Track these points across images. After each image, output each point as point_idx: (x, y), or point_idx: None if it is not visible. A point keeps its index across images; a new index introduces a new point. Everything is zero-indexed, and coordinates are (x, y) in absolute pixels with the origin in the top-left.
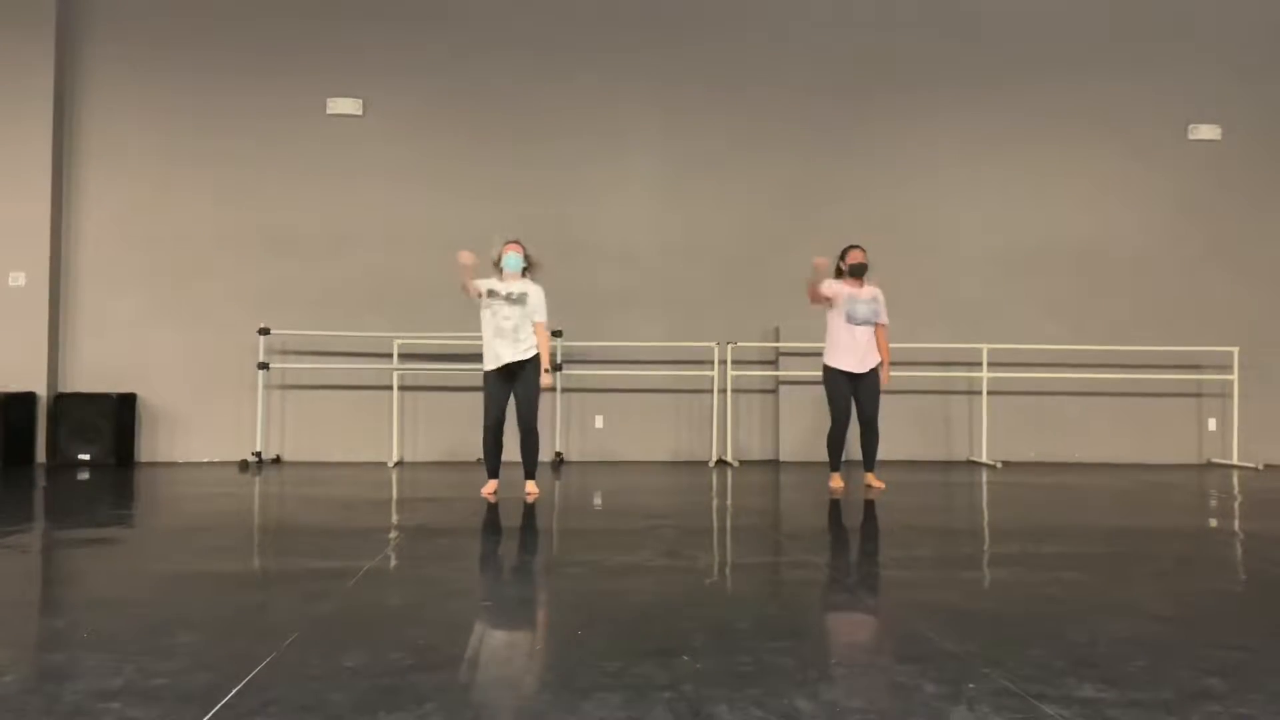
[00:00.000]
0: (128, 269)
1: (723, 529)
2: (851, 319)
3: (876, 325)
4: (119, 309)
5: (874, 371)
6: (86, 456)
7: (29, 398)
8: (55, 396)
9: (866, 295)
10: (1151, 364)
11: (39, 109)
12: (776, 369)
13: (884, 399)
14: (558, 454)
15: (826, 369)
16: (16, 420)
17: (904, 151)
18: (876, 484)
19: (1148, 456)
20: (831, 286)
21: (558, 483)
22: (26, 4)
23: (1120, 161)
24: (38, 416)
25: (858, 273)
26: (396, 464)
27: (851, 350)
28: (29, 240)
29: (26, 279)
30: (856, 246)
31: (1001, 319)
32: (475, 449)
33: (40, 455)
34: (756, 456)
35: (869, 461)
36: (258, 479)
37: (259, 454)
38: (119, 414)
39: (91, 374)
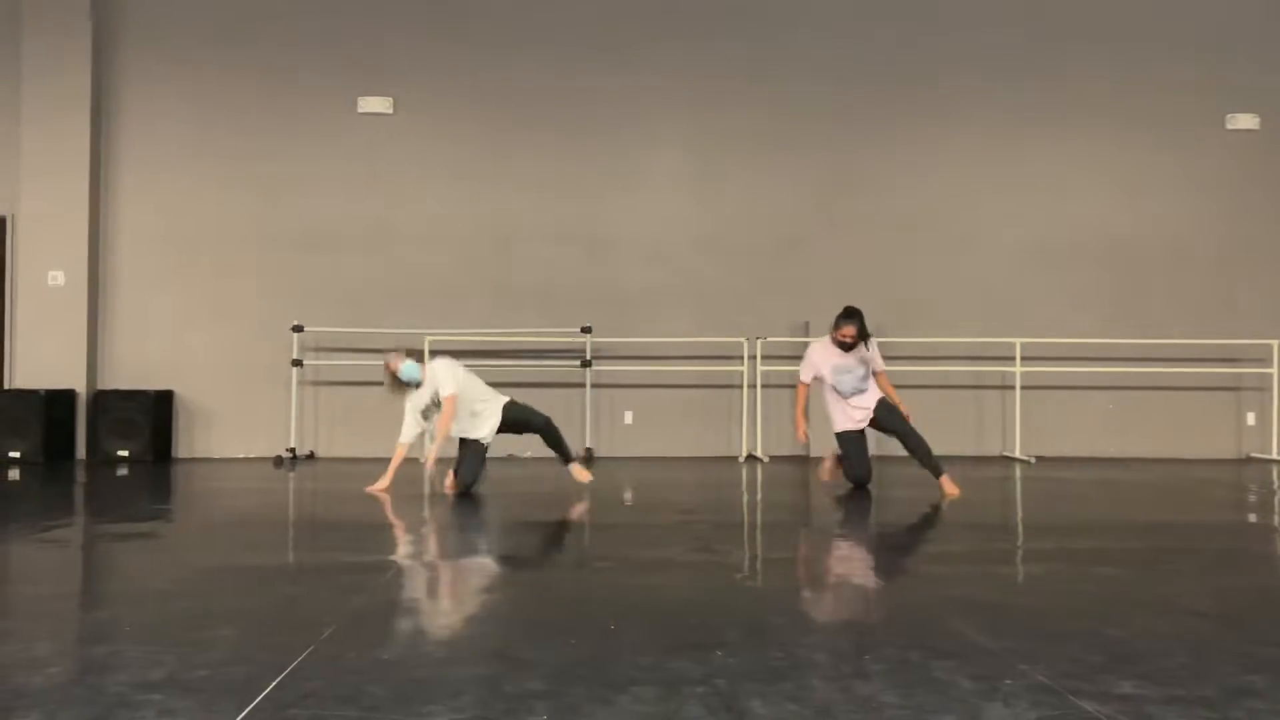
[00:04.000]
0: (164, 268)
1: (754, 524)
2: (840, 392)
3: (875, 374)
4: (156, 307)
5: (882, 403)
6: (125, 452)
7: (69, 395)
8: (94, 394)
9: (852, 361)
10: (1188, 357)
11: (77, 111)
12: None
13: (917, 393)
14: (588, 449)
15: (837, 434)
16: (57, 417)
17: (935, 144)
18: (951, 489)
19: (1184, 451)
20: (814, 366)
21: (590, 478)
22: (64, 8)
23: (1156, 152)
24: (78, 413)
25: (845, 349)
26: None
27: (851, 416)
28: (68, 240)
29: (66, 278)
30: (850, 319)
31: (1035, 313)
32: (505, 445)
33: (80, 451)
34: (787, 452)
35: (935, 467)
36: (292, 475)
37: (293, 450)
38: (156, 411)
39: (129, 371)
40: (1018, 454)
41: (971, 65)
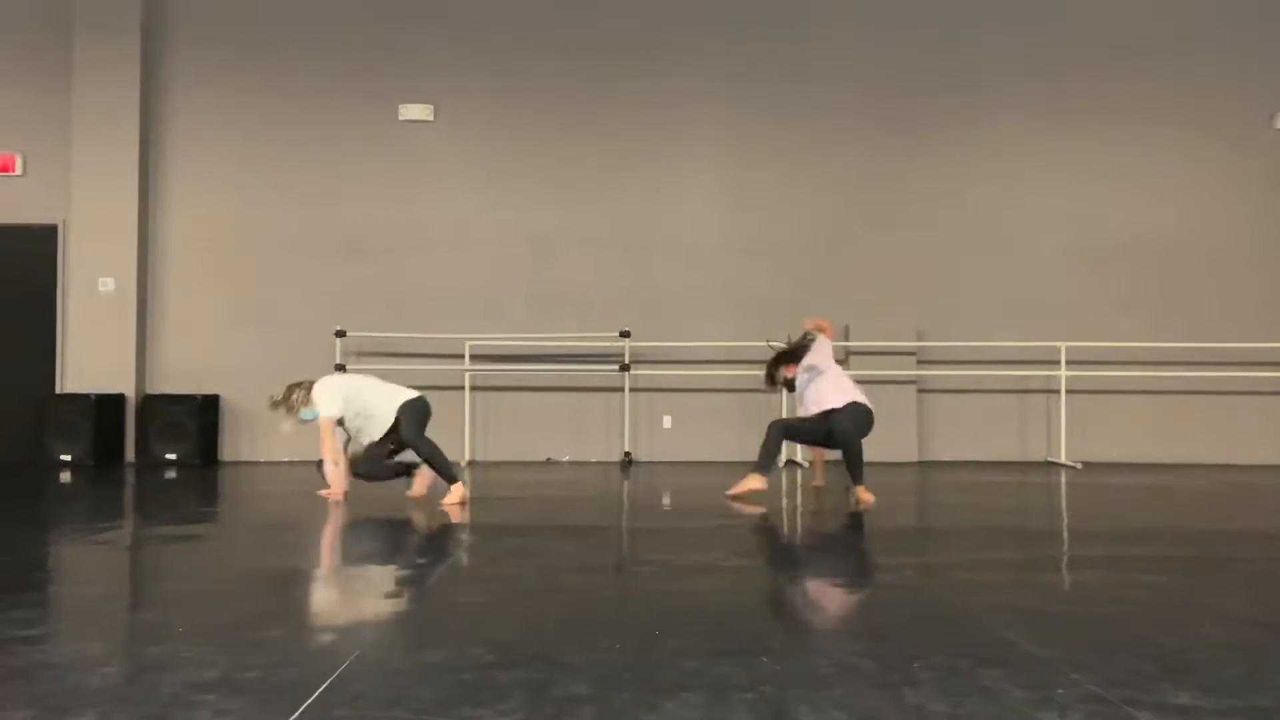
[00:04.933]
0: (210, 274)
1: (794, 529)
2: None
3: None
4: (202, 313)
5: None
6: (173, 456)
7: (119, 399)
8: (143, 398)
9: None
10: (1237, 361)
11: (126, 122)
12: (846, 368)
13: (957, 398)
14: (626, 454)
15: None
16: (107, 421)
17: (976, 146)
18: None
19: (1234, 457)
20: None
21: (626, 483)
22: (113, 22)
23: (1201, 153)
24: (127, 417)
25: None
26: (469, 463)
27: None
28: (117, 247)
29: (115, 284)
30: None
31: (1079, 316)
32: (544, 449)
33: (129, 454)
34: (827, 457)
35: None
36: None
37: None
38: (203, 414)
39: (177, 376)
40: (1063, 459)
41: (1013, 67)
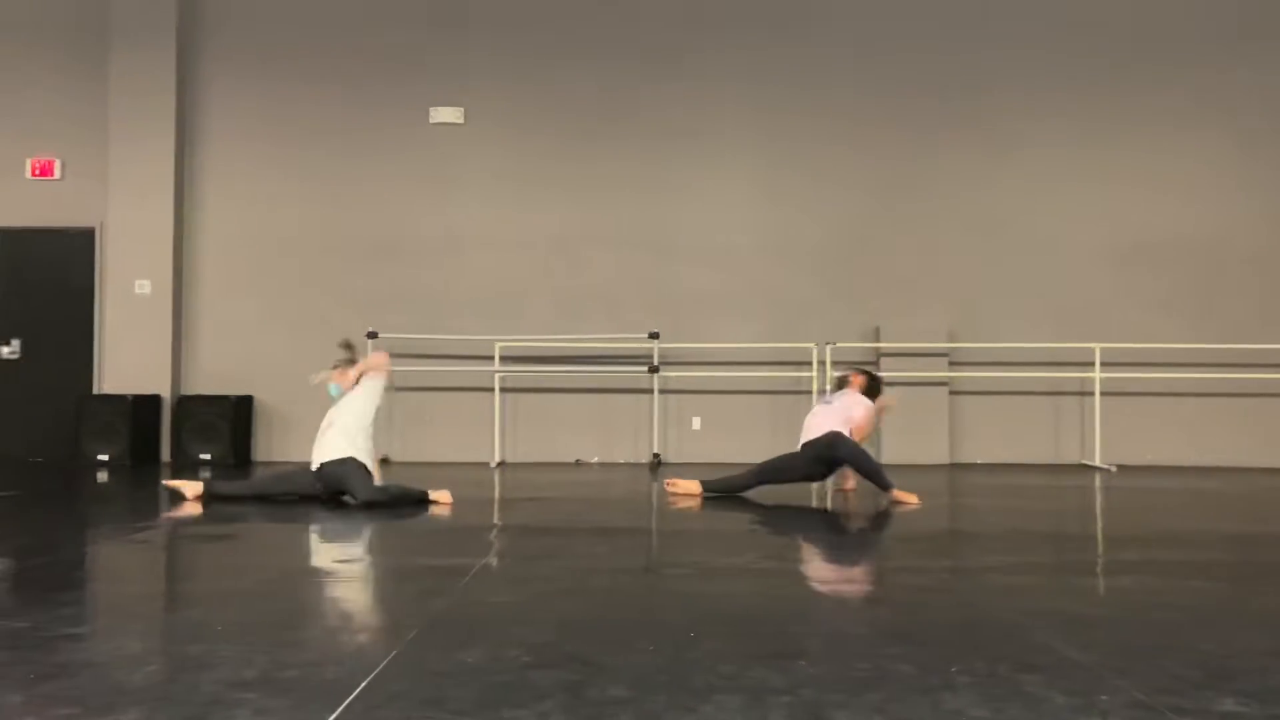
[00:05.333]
0: (244, 276)
1: (828, 531)
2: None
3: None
4: (236, 314)
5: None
6: (207, 456)
7: (154, 400)
8: (178, 399)
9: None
10: (1276, 363)
11: (162, 127)
12: (877, 370)
13: (990, 399)
14: (655, 455)
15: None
16: (144, 421)
17: (1008, 144)
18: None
19: (1273, 460)
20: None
21: (655, 484)
22: (149, 29)
23: (1239, 151)
24: (162, 417)
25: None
26: (498, 464)
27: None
28: (153, 250)
29: (151, 286)
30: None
31: (1114, 317)
32: (573, 450)
33: (165, 454)
34: None
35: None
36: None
37: None
38: (237, 415)
39: (211, 377)
40: (1097, 462)
41: (1047, 65)
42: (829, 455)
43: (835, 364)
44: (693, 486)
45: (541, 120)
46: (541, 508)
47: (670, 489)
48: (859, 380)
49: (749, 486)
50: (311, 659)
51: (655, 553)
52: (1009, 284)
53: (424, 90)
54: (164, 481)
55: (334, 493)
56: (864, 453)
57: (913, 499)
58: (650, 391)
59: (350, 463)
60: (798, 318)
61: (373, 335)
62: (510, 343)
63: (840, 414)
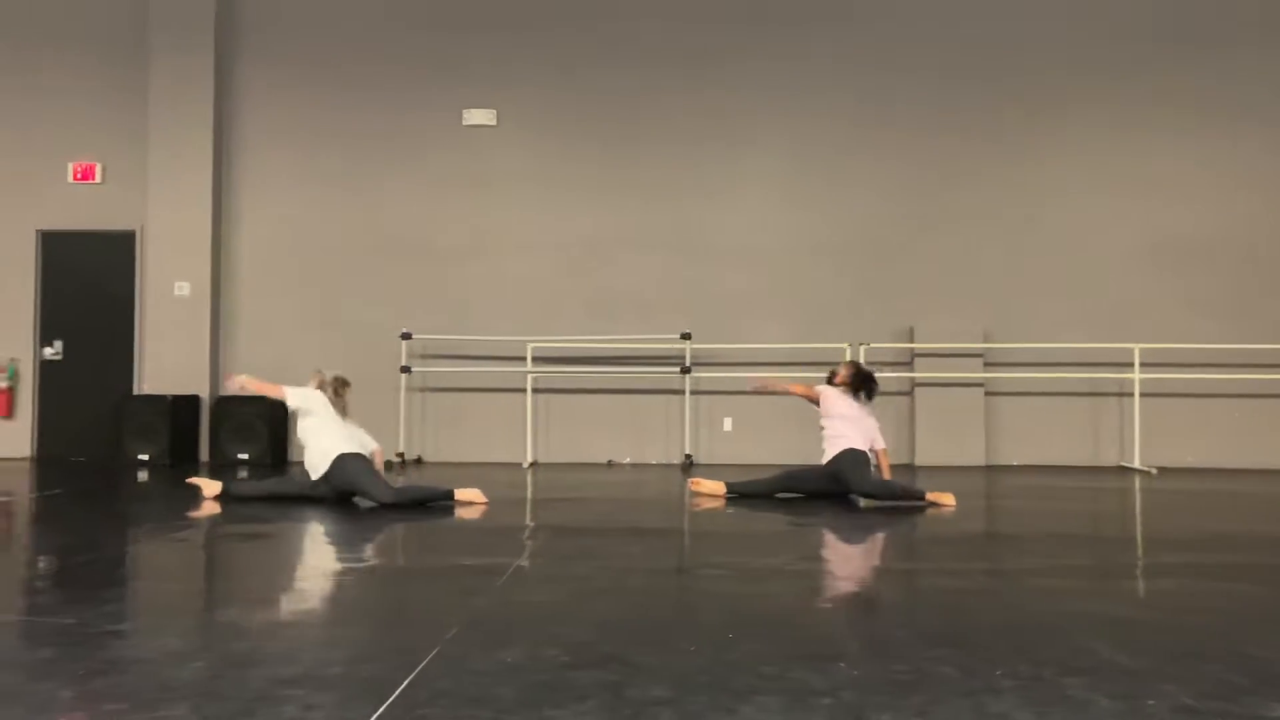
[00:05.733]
0: (280, 278)
1: (864, 533)
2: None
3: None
4: (272, 315)
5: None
6: (245, 456)
7: (194, 400)
8: (216, 399)
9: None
10: None
11: (200, 132)
12: (911, 370)
13: (1026, 400)
14: (687, 456)
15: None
16: (183, 421)
17: (1042, 140)
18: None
19: None
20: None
21: (686, 486)
22: (187, 36)
23: None
24: (201, 418)
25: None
26: (530, 465)
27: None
28: (192, 252)
29: (190, 288)
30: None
31: (1153, 317)
32: (605, 451)
33: (204, 454)
34: (891, 460)
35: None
36: (401, 479)
37: (402, 455)
38: (273, 416)
39: None
40: (1137, 464)
41: (1083, 61)
42: (841, 480)
43: (868, 365)
44: (717, 487)
45: (574, 122)
46: (575, 508)
47: (695, 489)
48: (841, 374)
49: (773, 492)
50: (353, 656)
51: (690, 553)
52: (1045, 283)
53: (457, 92)
54: (188, 479)
55: (342, 494)
56: (876, 482)
57: (949, 499)
58: (682, 392)
59: (348, 460)
60: (830, 318)
61: (406, 336)
62: (542, 344)
63: (865, 430)
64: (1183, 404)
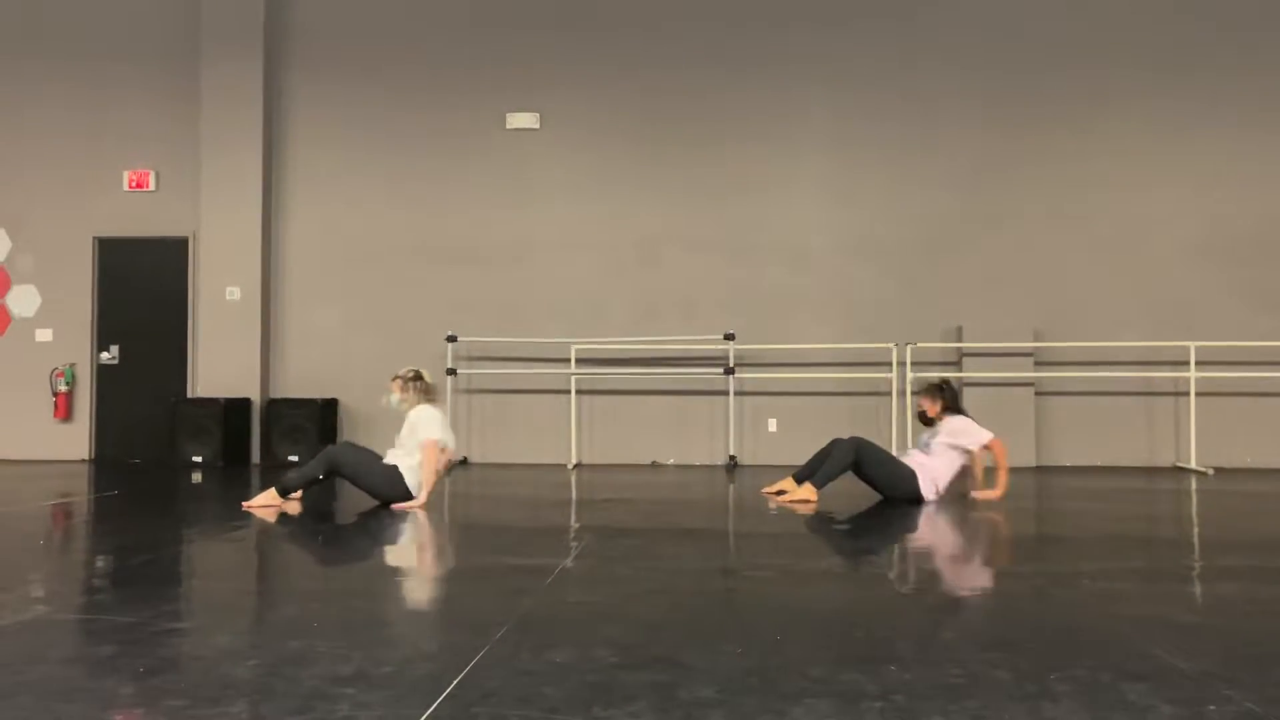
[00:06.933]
0: (328, 282)
1: (909, 534)
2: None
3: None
4: (321, 320)
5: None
6: (295, 457)
7: (245, 403)
8: (267, 402)
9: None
10: None
11: (250, 139)
12: (959, 370)
13: (1078, 400)
14: (731, 457)
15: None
16: (235, 424)
17: (1094, 134)
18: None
19: None
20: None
21: (732, 486)
22: (238, 45)
23: None
24: (253, 420)
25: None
26: (575, 466)
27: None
28: (243, 257)
29: (241, 293)
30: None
31: (1209, 314)
32: (648, 451)
33: (255, 456)
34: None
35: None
36: (448, 480)
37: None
38: (323, 418)
39: (298, 381)
40: (1193, 465)
41: (1137, 57)
42: (894, 485)
43: (914, 364)
44: (804, 493)
45: (616, 124)
46: (620, 509)
47: (780, 503)
48: (932, 403)
49: (844, 468)
50: (404, 655)
51: (736, 555)
52: (1097, 281)
53: (501, 96)
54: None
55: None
56: (888, 465)
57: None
58: (726, 393)
59: (382, 464)
60: (876, 318)
61: (452, 339)
62: (587, 345)
63: (928, 462)
64: (1240, 403)
